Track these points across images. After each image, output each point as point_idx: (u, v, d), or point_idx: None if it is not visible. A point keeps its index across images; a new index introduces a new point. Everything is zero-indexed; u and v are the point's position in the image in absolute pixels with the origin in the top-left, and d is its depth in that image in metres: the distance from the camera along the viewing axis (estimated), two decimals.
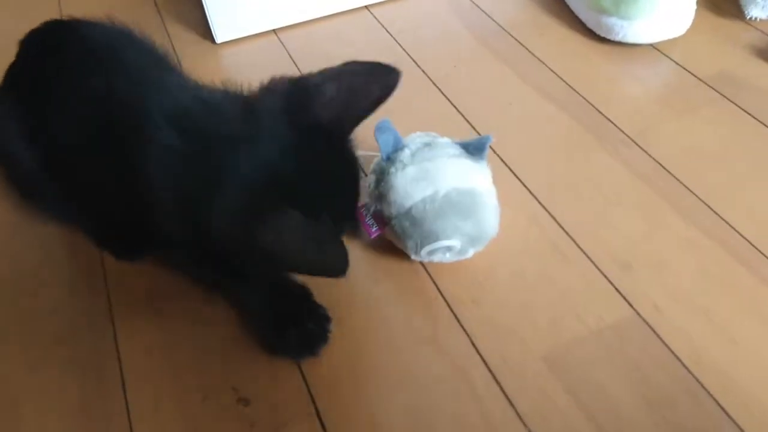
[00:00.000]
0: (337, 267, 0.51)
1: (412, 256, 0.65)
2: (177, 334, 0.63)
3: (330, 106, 0.53)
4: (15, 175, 0.68)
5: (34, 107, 0.62)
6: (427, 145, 0.66)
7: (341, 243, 0.53)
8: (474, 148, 0.66)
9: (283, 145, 0.52)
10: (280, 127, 0.53)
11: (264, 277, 0.62)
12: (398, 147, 0.66)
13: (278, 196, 0.51)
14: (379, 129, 0.66)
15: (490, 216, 0.64)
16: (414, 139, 0.67)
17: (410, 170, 0.63)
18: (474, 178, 0.64)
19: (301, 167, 0.52)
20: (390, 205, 0.63)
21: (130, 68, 0.60)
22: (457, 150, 0.66)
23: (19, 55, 0.66)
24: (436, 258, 0.64)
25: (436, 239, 0.62)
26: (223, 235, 0.51)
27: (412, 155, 0.65)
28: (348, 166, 0.56)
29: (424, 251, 0.63)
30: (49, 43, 0.65)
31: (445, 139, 0.68)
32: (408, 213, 0.62)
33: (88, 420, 0.57)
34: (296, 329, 0.60)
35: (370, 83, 0.55)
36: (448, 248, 0.63)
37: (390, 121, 0.66)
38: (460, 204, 0.62)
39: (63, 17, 1.08)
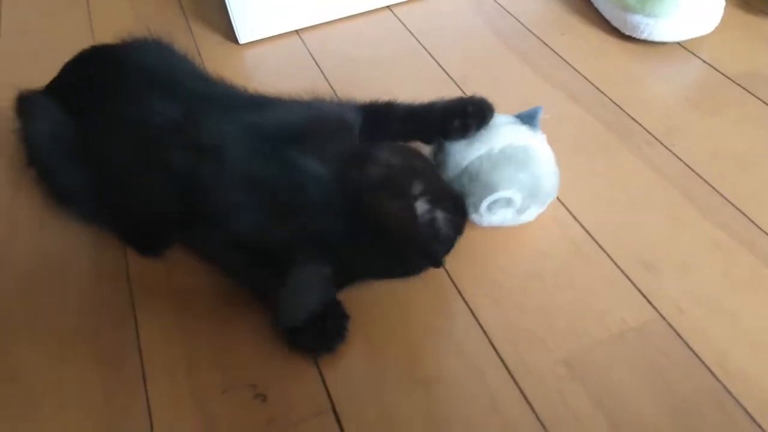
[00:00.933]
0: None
1: (474, 218, 0.66)
2: (197, 329, 0.63)
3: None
4: (50, 175, 0.73)
5: (88, 120, 0.69)
6: None
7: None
8: (527, 117, 0.67)
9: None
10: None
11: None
12: None
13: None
14: None
15: (546, 171, 0.65)
16: None
17: None
18: (528, 137, 0.65)
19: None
20: (447, 168, 0.65)
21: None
22: (510, 119, 0.67)
23: (67, 74, 0.75)
24: (498, 217, 0.65)
25: (494, 190, 0.63)
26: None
27: None
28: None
29: (483, 206, 0.64)
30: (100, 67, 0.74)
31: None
32: (465, 170, 0.64)
33: (108, 412, 0.58)
34: (314, 325, 0.60)
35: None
36: (509, 202, 0.63)
37: None
38: (515, 157, 0.63)
39: (92, 19, 1.11)
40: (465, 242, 0.67)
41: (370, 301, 0.64)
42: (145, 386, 0.59)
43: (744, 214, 0.68)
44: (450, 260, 0.66)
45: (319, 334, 0.60)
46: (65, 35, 1.08)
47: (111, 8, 1.14)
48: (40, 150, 0.72)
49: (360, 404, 0.56)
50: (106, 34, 1.06)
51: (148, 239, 0.70)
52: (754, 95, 0.82)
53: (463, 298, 0.63)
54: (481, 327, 0.61)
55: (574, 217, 0.69)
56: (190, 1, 1.14)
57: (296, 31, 1.04)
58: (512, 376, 0.57)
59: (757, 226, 0.67)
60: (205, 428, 0.56)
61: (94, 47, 0.79)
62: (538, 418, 0.54)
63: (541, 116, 0.67)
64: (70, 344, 0.63)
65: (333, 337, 0.60)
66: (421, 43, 0.98)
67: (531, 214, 0.66)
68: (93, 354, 0.62)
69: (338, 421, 0.55)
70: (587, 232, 0.68)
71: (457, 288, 0.64)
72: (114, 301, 0.67)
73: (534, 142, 0.65)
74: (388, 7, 1.06)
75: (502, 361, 0.58)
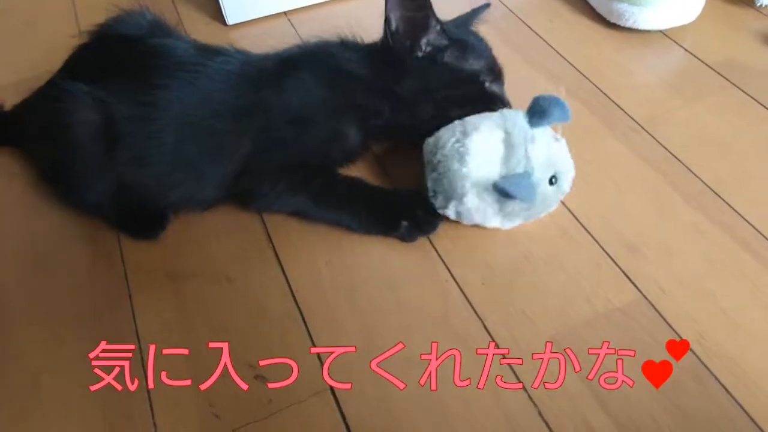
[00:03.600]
0: None
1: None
2: (194, 311, 0.64)
3: None
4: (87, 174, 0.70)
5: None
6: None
7: None
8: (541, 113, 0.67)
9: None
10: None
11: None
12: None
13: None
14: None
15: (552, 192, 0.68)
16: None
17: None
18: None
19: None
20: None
21: None
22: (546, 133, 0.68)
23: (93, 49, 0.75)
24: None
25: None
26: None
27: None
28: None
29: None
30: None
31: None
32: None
33: (108, 394, 0.58)
34: (409, 220, 0.68)
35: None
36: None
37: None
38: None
39: (75, 1, 1.08)
40: (456, 226, 0.69)
41: (363, 286, 0.65)
42: (144, 369, 0.60)
43: (723, 200, 0.71)
44: (441, 243, 0.68)
45: (417, 223, 0.69)
46: (48, 14, 1.06)
47: None
48: (82, 146, 0.68)
49: (358, 384, 0.58)
50: (90, 12, 1.05)
51: (151, 221, 0.71)
52: (733, 83, 0.85)
53: (455, 280, 0.65)
54: (473, 308, 0.63)
55: (562, 202, 0.71)
56: None
57: (285, 12, 1.03)
58: (502, 354, 0.59)
59: (735, 210, 0.70)
60: (204, 409, 0.57)
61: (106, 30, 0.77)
62: (527, 393, 0.56)
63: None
64: (69, 328, 0.63)
65: (433, 220, 0.69)
66: None
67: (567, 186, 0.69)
68: (90, 338, 0.62)
69: (336, 400, 0.57)
70: (574, 216, 0.70)
71: (448, 270, 0.66)
72: (109, 284, 0.67)
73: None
74: None
75: (493, 339, 0.60)
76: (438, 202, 0.67)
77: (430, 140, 0.68)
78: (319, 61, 0.72)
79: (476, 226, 0.69)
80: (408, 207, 0.69)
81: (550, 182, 0.66)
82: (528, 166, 0.65)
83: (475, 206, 0.65)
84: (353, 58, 0.72)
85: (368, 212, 0.69)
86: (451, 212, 0.67)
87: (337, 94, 0.70)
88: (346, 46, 0.74)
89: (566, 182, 0.68)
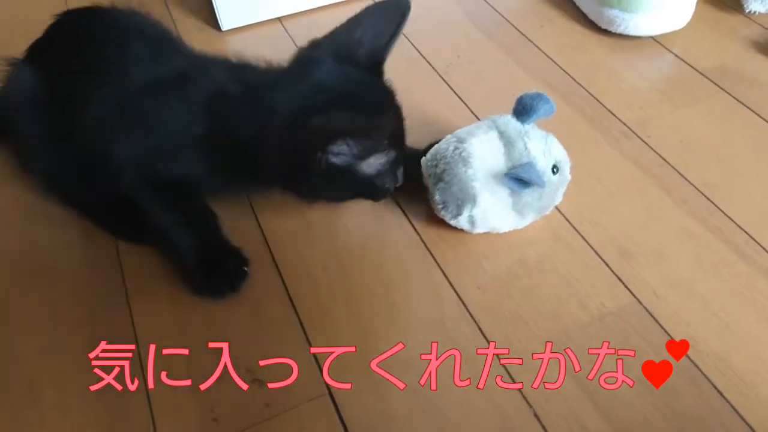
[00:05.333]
0: (378, 134, 0.61)
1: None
2: (191, 315, 0.64)
3: (361, 46, 0.65)
4: (34, 155, 0.74)
5: (65, 81, 0.70)
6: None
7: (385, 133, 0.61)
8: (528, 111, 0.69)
9: (330, 75, 0.63)
10: (324, 64, 0.63)
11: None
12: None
13: (326, 103, 0.61)
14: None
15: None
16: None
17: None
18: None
19: (345, 87, 0.63)
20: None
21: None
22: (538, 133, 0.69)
23: (49, 35, 0.74)
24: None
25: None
26: (284, 150, 0.61)
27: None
28: (388, 92, 0.65)
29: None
30: (82, 26, 0.75)
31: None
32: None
33: (107, 399, 0.58)
34: (220, 268, 0.66)
35: (387, 16, 0.66)
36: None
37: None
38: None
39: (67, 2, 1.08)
40: (451, 231, 0.70)
41: (359, 290, 0.66)
42: (143, 372, 0.60)
43: (713, 203, 0.72)
44: (437, 248, 0.69)
45: (222, 278, 0.65)
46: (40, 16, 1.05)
47: None
48: (24, 122, 0.72)
49: (356, 388, 0.58)
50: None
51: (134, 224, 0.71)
52: (723, 89, 0.86)
53: (450, 283, 0.66)
54: (468, 312, 0.64)
55: (555, 207, 0.72)
56: None
57: (279, 18, 1.04)
58: (498, 358, 0.60)
59: (725, 214, 0.71)
60: (203, 413, 0.57)
61: (73, 11, 0.78)
62: (524, 396, 0.57)
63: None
64: (66, 332, 0.64)
65: (236, 278, 0.66)
66: (404, 34, 0.99)
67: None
68: (89, 342, 0.62)
69: (334, 403, 0.57)
70: (567, 220, 0.71)
71: (444, 274, 0.67)
72: (107, 288, 0.67)
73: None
74: None
75: (489, 343, 0.61)
76: (449, 213, 0.67)
77: (428, 155, 0.69)
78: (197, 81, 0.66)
79: (489, 233, 0.69)
80: (214, 260, 0.66)
81: (553, 171, 0.67)
82: (530, 157, 0.66)
83: (490, 205, 0.66)
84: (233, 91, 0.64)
85: (186, 242, 0.66)
86: (464, 220, 0.67)
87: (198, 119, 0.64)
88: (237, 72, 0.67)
89: (567, 170, 0.70)
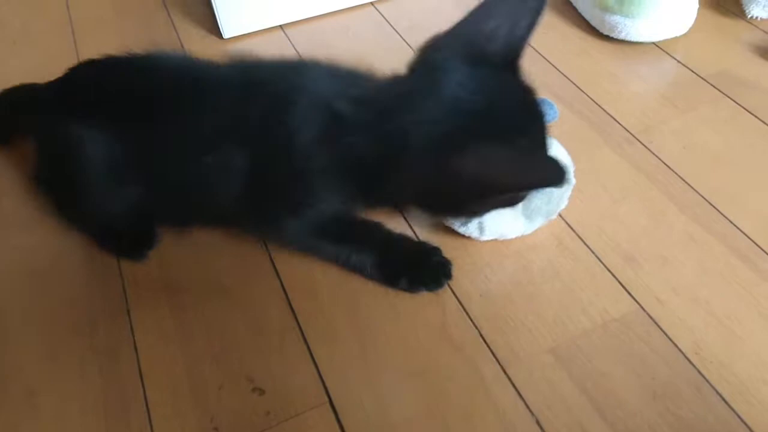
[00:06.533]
0: (553, 176, 0.51)
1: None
2: (192, 324, 0.64)
3: (494, 40, 0.56)
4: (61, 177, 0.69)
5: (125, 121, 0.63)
6: None
7: (546, 152, 0.55)
8: None
9: (465, 87, 0.54)
10: (455, 71, 0.54)
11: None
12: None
13: (469, 128, 0.52)
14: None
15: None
16: None
17: None
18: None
19: (486, 98, 0.54)
20: None
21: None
22: None
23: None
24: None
25: None
26: (424, 181, 0.54)
27: None
28: (530, 94, 0.58)
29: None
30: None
31: None
32: None
33: (106, 407, 0.58)
34: (424, 265, 0.64)
35: (519, 7, 0.57)
36: None
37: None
38: None
39: (70, 14, 1.09)
40: (454, 237, 0.69)
41: (360, 298, 0.65)
42: (142, 382, 0.60)
43: (717, 209, 0.71)
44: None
45: (431, 273, 0.64)
46: (43, 26, 1.06)
47: (91, 1, 1.13)
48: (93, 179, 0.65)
49: (357, 397, 0.58)
50: (85, 24, 1.05)
51: (138, 240, 0.70)
52: (725, 94, 0.85)
53: (453, 291, 0.65)
54: (471, 319, 0.63)
55: (558, 213, 0.72)
56: None
57: (281, 26, 1.04)
58: (501, 366, 0.59)
59: (729, 220, 0.70)
60: (203, 422, 0.57)
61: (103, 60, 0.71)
62: (526, 404, 0.56)
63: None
64: (66, 343, 0.63)
65: (445, 269, 0.64)
66: (404, 39, 0.99)
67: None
68: (89, 350, 0.62)
69: (335, 412, 0.57)
70: (570, 226, 0.71)
71: (447, 282, 0.66)
72: (107, 298, 0.67)
73: None
74: (371, 3, 1.07)
75: (492, 351, 0.60)
76: (459, 220, 0.67)
77: None
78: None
79: (493, 240, 0.69)
80: (413, 260, 0.65)
81: None
82: None
83: (500, 210, 0.65)
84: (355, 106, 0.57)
85: (377, 259, 0.65)
86: (473, 227, 0.67)
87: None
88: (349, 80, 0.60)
89: (572, 174, 0.70)
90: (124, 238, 0.71)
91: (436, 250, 0.66)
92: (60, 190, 0.72)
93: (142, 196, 0.65)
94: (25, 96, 0.79)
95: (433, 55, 0.57)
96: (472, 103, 0.53)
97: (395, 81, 0.57)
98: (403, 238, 0.67)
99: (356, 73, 0.60)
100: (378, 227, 0.66)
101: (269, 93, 0.60)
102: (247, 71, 0.65)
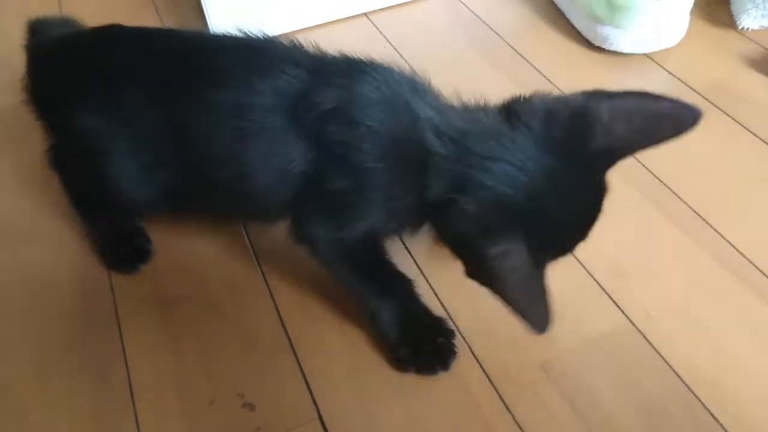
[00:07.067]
0: (538, 323, 0.52)
1: None
2: (183, 340, 0.64)
3: (605, 139, 0.50)
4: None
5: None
6: None
7: (548, 300, 0.53)
8: None
9: (531, 169, 0.50)
10: (536, 151, 0.51)
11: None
12: None
13: (515, 219, 0.50)
14: None
15: None
16: None
17: None
18: None
19: (545, 196, 0.51)
20: None
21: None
22: None
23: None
24: None
25: None
26: (455, 235, 0.54)
27: None
28: (595, 203, 0.53)
29: None
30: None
31: None
32: None
33: (96, 425, 0.58)
34: (428, 345, 0.60)
35: (664, 124, 0.52)
36: None
37: None
38: None
39: (62, 11, 1.09)
40: (446, 254, 0.69)
41: (352, 314, 0.65)
42: (132, 398, 0.60)
43: (708, 223, 0.72)
44: (429, 272, 0.69)
45: (433, 353, 0.60)
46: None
47: (82, 1, 1.12)
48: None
49: (347, 413, 0.58)
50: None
51: (127, 253, 0.70)
52: (717, 106, 0.86)
53: (444, 307, 0.66)
54: (461, 335, 0.63)
55: None
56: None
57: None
58: (491, 381, 0.59)
59: (719, 234, 0.70)
60: None
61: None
62: (515, 420, 0.57)
63: None
64: (57, 359, 0.63)
65: (447, 354, 0.60)
66: (397, 51, 1.00)
67: None
68: (80, 367, 0.62)
69: (325, 429, 0.57)
70: None
71: (438, 297, 0.67)
72: (98, 313, 0.67)
73: None
74: (365, 14, 1.07)
75: (482, 366, 0.61)
76: None
77: None
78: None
79: None
80: (421, 335, 0.61)
81: None
82: None
83: None
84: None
85: (387, 314, 0.61)
86: None
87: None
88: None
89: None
90: (122, 248, 0.71)
91: (447, 332, 0.62)
92: (78, 179, 0.69)
93: (170, 180, 0.62)
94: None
95: (538, 122, 0.52)
96: (539, 194, 0.51)
97: (486, 122, 0.54)
98: (424, 311, 0.63)
99: (454, 107, 0.58)
100: (408, 282, 0.63)
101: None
102: (315, 61, 0.64)
